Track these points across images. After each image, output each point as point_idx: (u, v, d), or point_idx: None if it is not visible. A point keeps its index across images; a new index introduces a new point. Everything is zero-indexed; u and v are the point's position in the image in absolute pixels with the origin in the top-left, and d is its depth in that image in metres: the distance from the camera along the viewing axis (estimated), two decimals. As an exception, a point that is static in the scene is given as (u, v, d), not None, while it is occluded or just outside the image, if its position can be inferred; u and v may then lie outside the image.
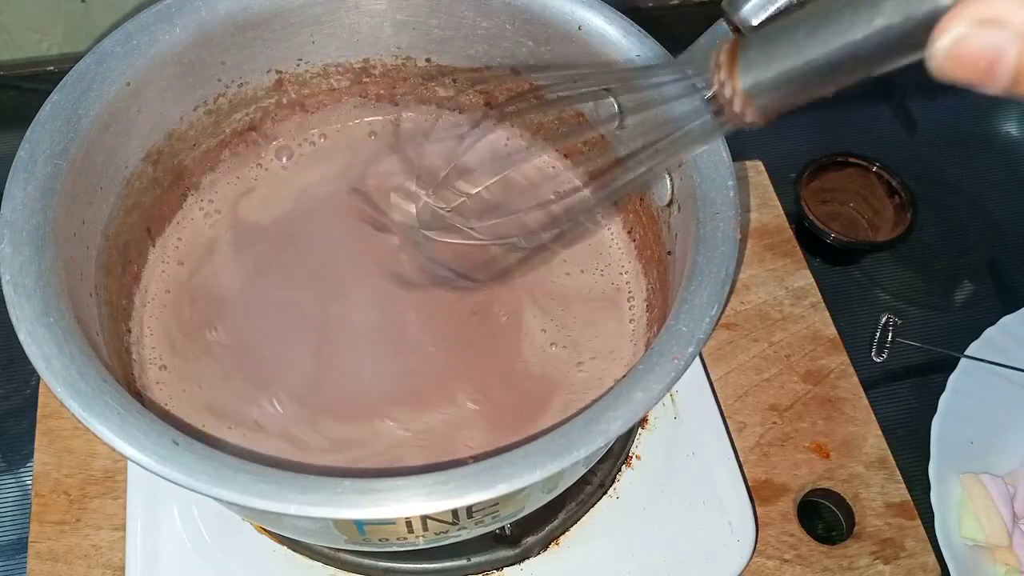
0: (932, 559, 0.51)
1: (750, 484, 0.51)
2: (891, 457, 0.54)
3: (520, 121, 0.51)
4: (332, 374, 0.45)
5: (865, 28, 0.21)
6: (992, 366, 0.57)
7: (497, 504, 0.37)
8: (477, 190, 0.48)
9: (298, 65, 0.49)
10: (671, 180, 0.42)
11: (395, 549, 0.45)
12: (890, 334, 0.59)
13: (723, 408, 0.53)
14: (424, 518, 0.36)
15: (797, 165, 0.66)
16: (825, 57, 0.22)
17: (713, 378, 0.55)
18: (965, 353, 0.58)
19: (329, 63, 0.49)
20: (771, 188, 0.65)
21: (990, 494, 0.52)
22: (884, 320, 0.60)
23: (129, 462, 0.32)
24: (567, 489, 0.47)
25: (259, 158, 0.51)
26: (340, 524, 0.36)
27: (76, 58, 0.40)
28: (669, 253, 0.43)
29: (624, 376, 0.34)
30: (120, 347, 0.42)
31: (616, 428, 0.32)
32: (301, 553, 0.47)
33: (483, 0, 0.45)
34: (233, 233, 0.49)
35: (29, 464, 0.52)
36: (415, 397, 0.44)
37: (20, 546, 0.51)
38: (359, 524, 0.36)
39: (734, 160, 0.39)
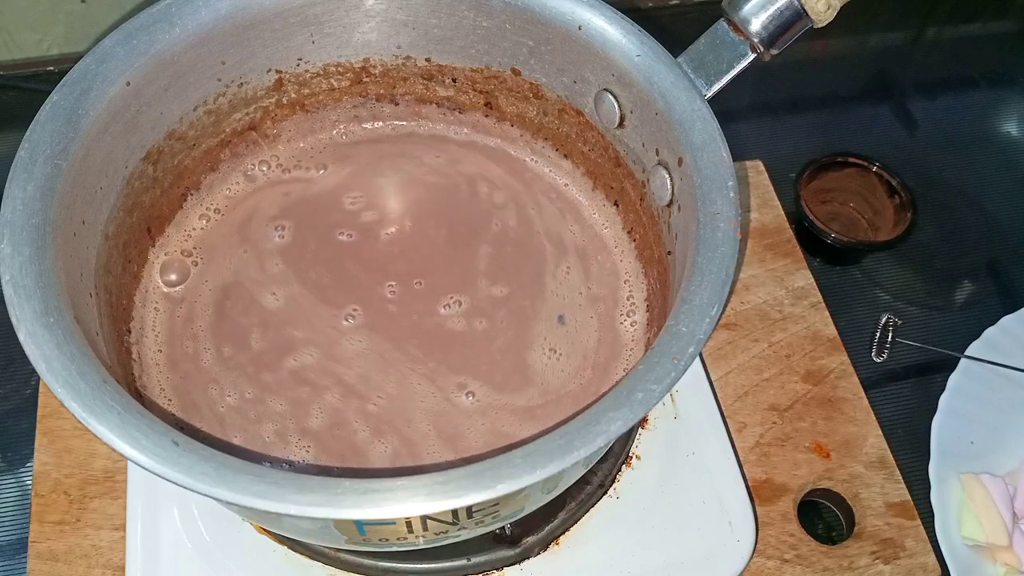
0: (932, 559, 0.51)
1: (750, 484, 0.51)
2: (891, 457, 0.54)
3: (520, 121, 0.51)
4: (331, 377, 0.45)
5: None
6: (992, 366, 0.57)
7: (497, 504, 0.37)
8: None
9: (298, 65, 0.49)
10: (671, 180, 0.42)
11: (395, 549, 0.45)
12: (890, 334, 0.59)
13: (723, 408, 0.53)
14: (424, 518, 0.36)
15: (797, 165, 0.66)
16: None
17: (713, 378, 0.55)
18: (965, 353, 0.58)
19: (329, 63, 0.49)
20: (771, 188, 0.64)
21: (990, 494, 0.52)
22: (884, 320, 0.60)
23: (129, 462, 0.32)
24: (567, 489, 0.47)
25: (261, 158, 0.52)
26: (340, 524, 0.36)
27: (76, 58, 0.40)
28: (669, 253, 0.43)
29: (624, 376, 0.34)
30: (120, 347, 0.42)
31: (616, 428, 0.32)
32: (301, 553, 0.47)
33: (483, 0, 0.45)
34: (233, 232, 0.49)
35: (29, 464, 0.52)
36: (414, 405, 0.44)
37: (20, 546, 0.51)
38: (359, 524, 0.36)
39: (734, 160, 0.39)
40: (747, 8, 0.41)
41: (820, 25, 0.41)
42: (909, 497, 0.53)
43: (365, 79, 0.51)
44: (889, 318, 0.60)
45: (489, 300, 0.47)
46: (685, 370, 0.33)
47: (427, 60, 0.50)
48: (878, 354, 0.59)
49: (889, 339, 0.59)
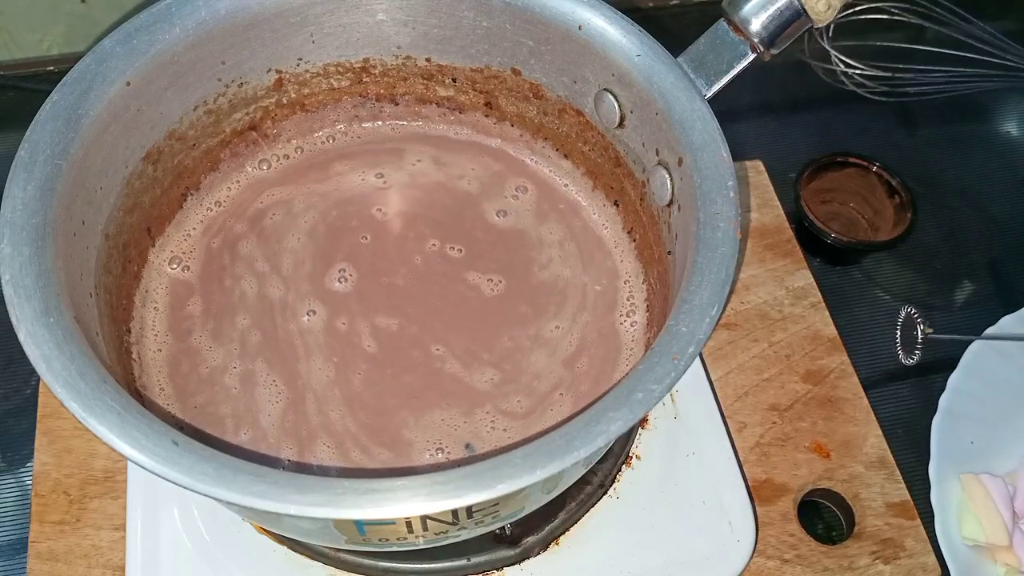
0: (932, 559, 0.51)
1: (750, 484, 0.51)
2: (891, 457, 0.54)
3: (520, 121, 0.51)
4: (328, 376, 0.45)
5: None
6: (992, 364, 0.57)
7: (497, 504, 0.37)
8: None
9: (298, 65, 0.49)
10: (671, 180, 0.42)
11: (395, 549, 0.45)
12: (918, 332, 0.49)
13: (723, 408, 0.53)
14: (424, 518, 0.36)
15: (797, 165, 0.66)
16: None
17: (713, 378, 0.55)
18: (969, 347, 0.57)
19: (329, 63, 0.49)
20: (771, 188, 0.64)
21: (990, 494, 0.52)
22: (904, 314, 0.51)
23: (129, 462, 0.32)
24: (567, 489, 0.47)
25: (261, 157, 0.52)
26: (340, 524, 0.36)
27: (76, 58, 0.40)
28: (669, 253, 0.43)
29: (624, 376, 0.34)
30: (120, 347, 0.43)
31: (616, 428, 0.32)
32: (301, 553, 0.47)
33: (483, 0, 0.45)
34: (234, 233, 0.49)
35: (29, 464, 0.52)
36: (420, 401, 0.44)
37: (20, 546, 0.51)
38: (359, 524, 0.36)
39: (734, 160, 0.39)
40: (747, 8, 0.41)
41: (820, 25, 0.41)
42: (909, 497, 0.53)
43: (365, 79, 0.51)
44: (910, 311, 0.52)
45: (485, 300, 0.47)
46: (685, 370, 0.33)
47: (427, 60, 0.50)
48: (907, 356, 0.51)
49: (920, 337, 0.50)
